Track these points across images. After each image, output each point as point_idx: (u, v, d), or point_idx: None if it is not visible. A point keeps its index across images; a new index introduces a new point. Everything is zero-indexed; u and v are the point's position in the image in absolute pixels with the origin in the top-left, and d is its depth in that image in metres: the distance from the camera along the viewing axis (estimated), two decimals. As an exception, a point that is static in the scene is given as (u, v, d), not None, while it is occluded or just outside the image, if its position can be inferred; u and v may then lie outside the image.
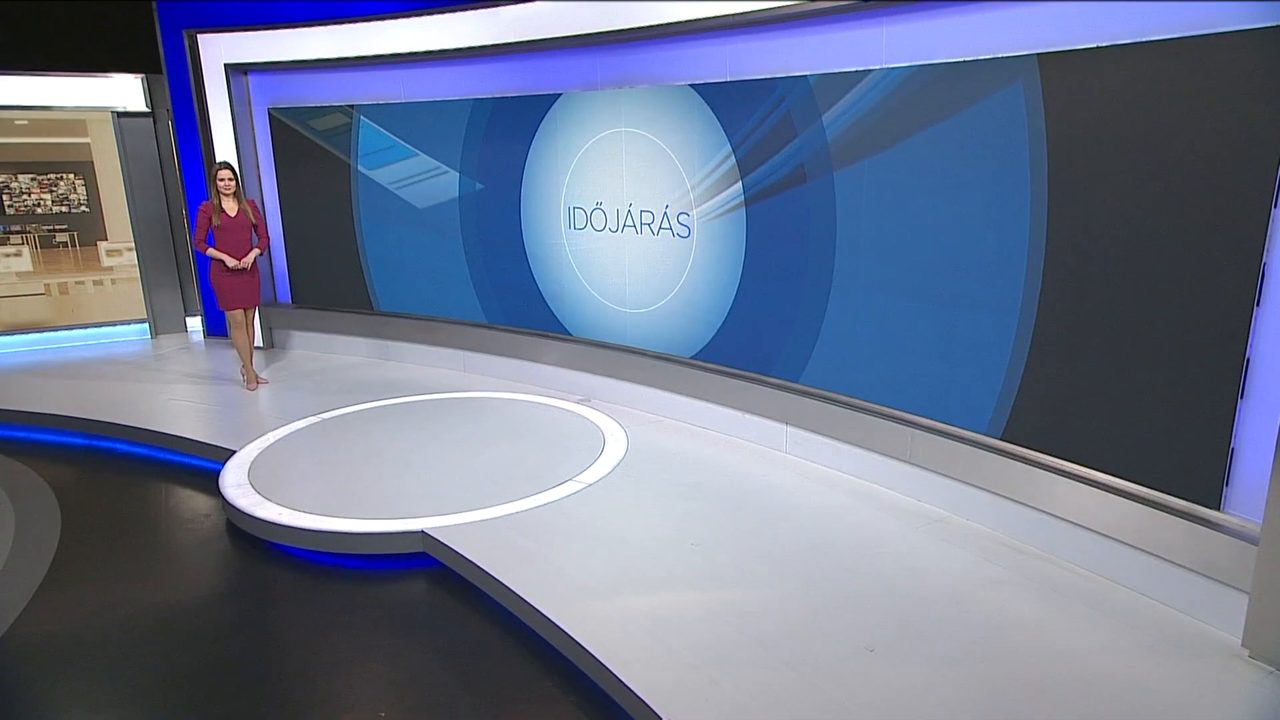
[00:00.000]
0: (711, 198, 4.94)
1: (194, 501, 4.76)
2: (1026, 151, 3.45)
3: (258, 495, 4.32)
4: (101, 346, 7.88)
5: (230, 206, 5.97)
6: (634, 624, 3.14)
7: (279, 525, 4.04)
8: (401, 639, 3.37)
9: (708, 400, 5.23)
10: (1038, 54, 3.36)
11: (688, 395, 5.36)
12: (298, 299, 7.56)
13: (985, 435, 3.84)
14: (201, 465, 5.16)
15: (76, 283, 8.09)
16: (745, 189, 4.75)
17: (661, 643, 3.01)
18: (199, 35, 7.14)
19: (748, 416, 5.01)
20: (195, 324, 8.42)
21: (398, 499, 4.25)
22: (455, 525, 3.95)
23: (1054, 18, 3.35)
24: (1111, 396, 3.32)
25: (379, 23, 6.34)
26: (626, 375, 5.73)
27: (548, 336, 6.19)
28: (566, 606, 3.26)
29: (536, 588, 3.40)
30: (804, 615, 3.18)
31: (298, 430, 5.33)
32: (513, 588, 3.41)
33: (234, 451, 4.94)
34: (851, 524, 3.95)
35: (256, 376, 6.39)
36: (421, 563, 3.95)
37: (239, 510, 4.22)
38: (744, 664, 2.88)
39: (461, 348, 6.74)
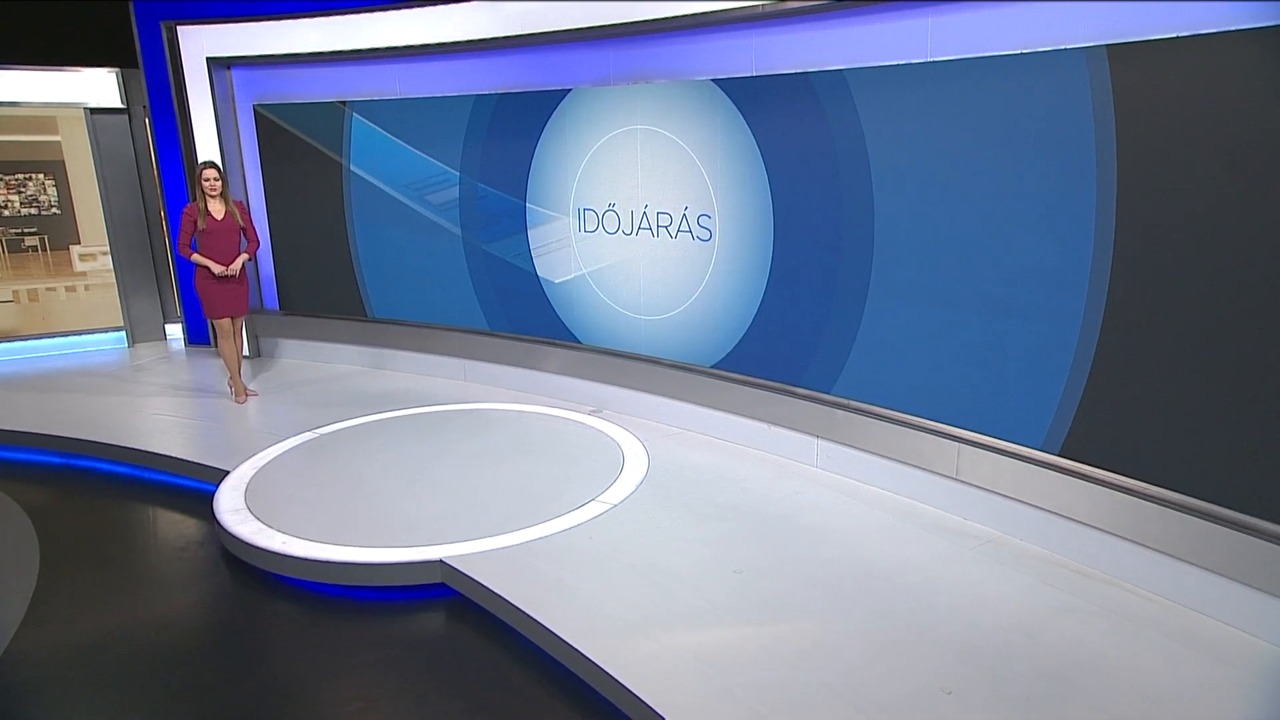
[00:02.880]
0: (736, 198, 4.69)
1: (185, 527, 4.42)
2: (1093, 149, 3.23)
3: (258, 522, 3.99)
4: (75, 356, 7.46)
5: (217, 209, 5.61)
6: (684, 664, 2.88)
7: (283, 555, 3.73)
8: (425, 681, 3.08)
9: (730, 411, 4.98)
10: (1107, 45, 3.14)
11: (708, 406, 5.10)
12: (286, 305, 7.20)
13: (1041, 451, 3.62)
14: (191, 486, 4.81)
15: (47, 289, 7.65)
16: (773, 189, 4.51)
17: (717, 685, 2.76)
18: (178, 27, 6.76)
19: (775, 429, 4.77)
20: (175, 331, 8.02)
21: (409, 524, 3.95)
22: (475, 553, 3.66)
23: (1119, 8, 3.14)
24: (1188, 411, 3.12)
25: (373, 14, 6.02)
26: (641, 385, 5.46)
27: (555, 344, 5.90)
28: (607, 644, 2.99)
29: (572, 623, 3.13)
30: (867, 651, 2.93)
31: (294, 447, 5.00)
32: (546, 623, 3.13)
33: (227, 472, 4.61)
34: (899, 545, 3.72)
35: (245, 388, 6.04)
36: (438, 593, 3.65)
37: (237, 539, 3.89)
38: (813, 710, 2.63)
39: (462, 356, 6.43)
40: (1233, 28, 2.83)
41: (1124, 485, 3.34)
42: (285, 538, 3.83)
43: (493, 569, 3.52)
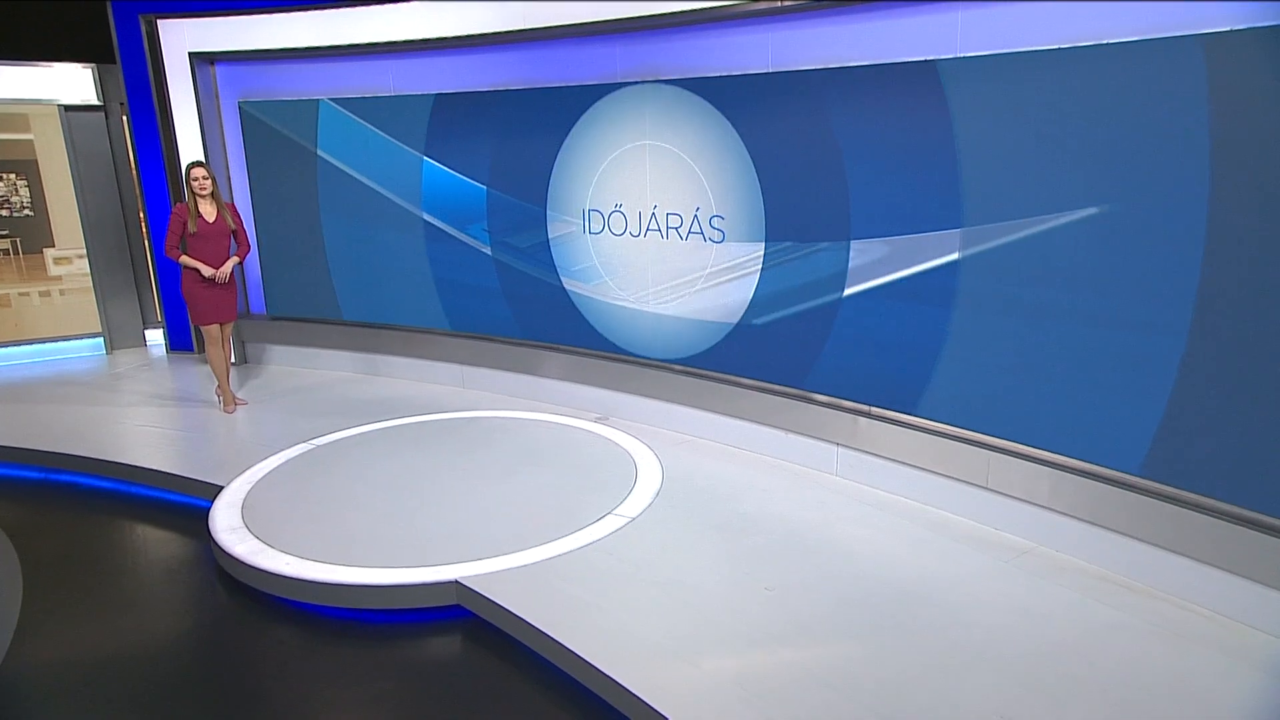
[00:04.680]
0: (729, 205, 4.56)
1: (176, 547, 4.19)
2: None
3: (257, 541, 3.77)
4: (51, 364, 7.14)
5: (208, 211, 5.36)
6: (725, 691, 2.72)
7: (286, 577, 3.51)
8: (444, 711, 2.89)
9: (744, 418, 4.83)
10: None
11: (719, 413, 4.95)
12: (273, 310, 6.95)
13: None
14: (180, 502, 4.57)
15: (20, 294, 7.32)
16: (765, 193, 4.37)
17: (764, 715, 2.60)
18: (159, 21, 6.50)
19: (792, 436, 4.63)
20: (155, 337, 7.73)
21: (419, 542, 3.75)
22: (492, 572, 3.47)
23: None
24: (1243, 421, 3.00)
25: (365, 9, 5.80)
26: (647, 390, 5.30)
27: (557, 349, 5.72)
28: (643, 670, 2.83)
29: (603, 648, 2.95)
30: (917, 674, 2.79)
31: (290, 460, 4.77)
32: (575, 649, 2.96)
33: (220, 487, 4.37)
34: (933, 559, 3.59)
35: (234, 397, 5.79)
36: (451, 615, 3.46)
37: (236, 559, 3.67)
38: (869, 742, 2.49)
39: (460, 361, 6.22)
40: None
41: (1168, 494, 3.23)
42: (288, 558, 3.62)
43: (512, 590, 3.34)
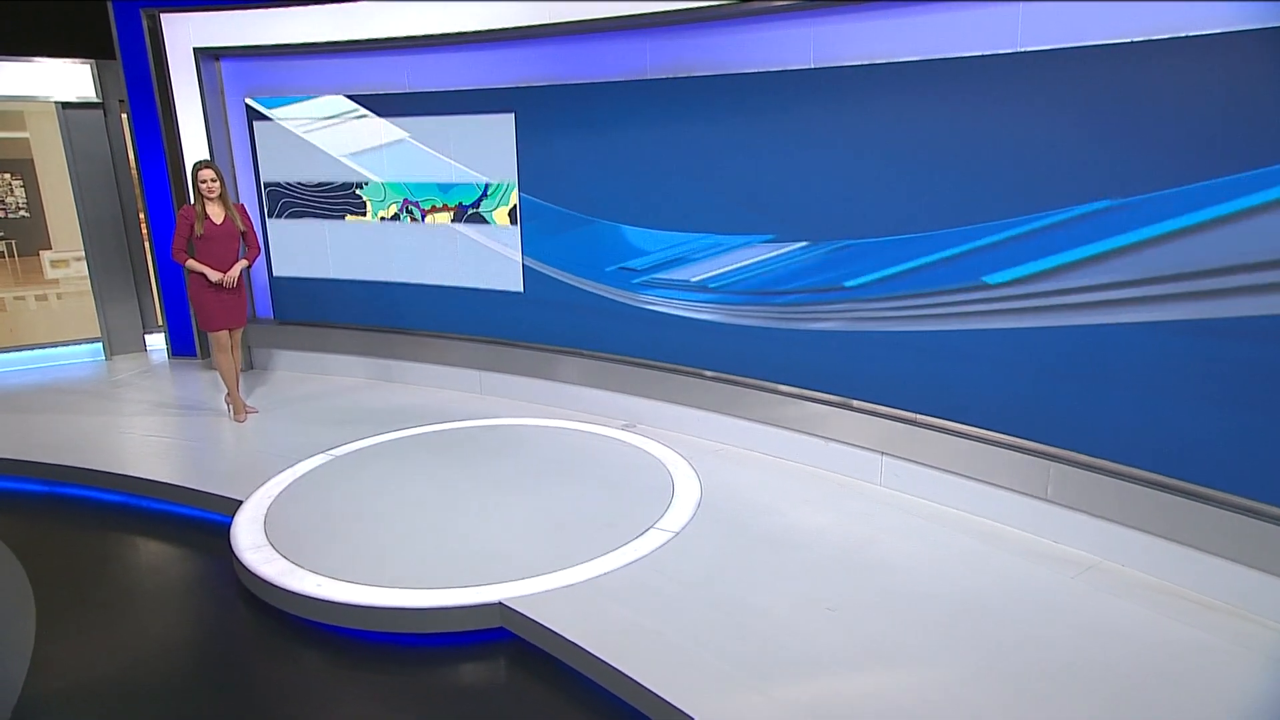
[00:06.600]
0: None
1: (195, 566, 4.00)
2: None
3: (285, 560, 3.58)
4: (48, 371, 6.90)
5: (215, 213, 5.15)
6: (802, 723, 2.56)
7: (318, 600, 3.32)
8: (502, 748, 2.73)
9: (778, 425, 4.68)
10: None
11: (752, 419, 4.79)
12: (280, 314, 6.73)
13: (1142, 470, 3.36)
14: (195, 516, 4.37)
15: (16, 298, 7.07)
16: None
17: (847, 750, 2.45)
18: (161, 15, 6.27)
19: (832, 444, 4.48)
20: (155, 342, 7.48)
21: (457, 560, 3.57)
22: (537, 593, 3.30)
23: None
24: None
25: (379, 2, 5.60)
26: (673, 397, 5.14)
27: (578, 354, 5.55)
28: (710, 699, 2.66)
29: (666, 676, 2.78)
30: (1001, 702, 2.64)
31: (310, 471, 4.57)
32: (636, 677, 2.78)
33: (238, 501, 4.17)
34: (995, 574, 3.44)
35: (244, 405, 5.57)
36: (490, 636, 3.28)
37: (263, 580, 3.48)
38: (964, 778, 2.33)
39: (477, 367, 6.04)
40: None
41: (1247, 507, 3.10)
42: (319, 579, 3.43)
43: (560, 612, 3.17)
